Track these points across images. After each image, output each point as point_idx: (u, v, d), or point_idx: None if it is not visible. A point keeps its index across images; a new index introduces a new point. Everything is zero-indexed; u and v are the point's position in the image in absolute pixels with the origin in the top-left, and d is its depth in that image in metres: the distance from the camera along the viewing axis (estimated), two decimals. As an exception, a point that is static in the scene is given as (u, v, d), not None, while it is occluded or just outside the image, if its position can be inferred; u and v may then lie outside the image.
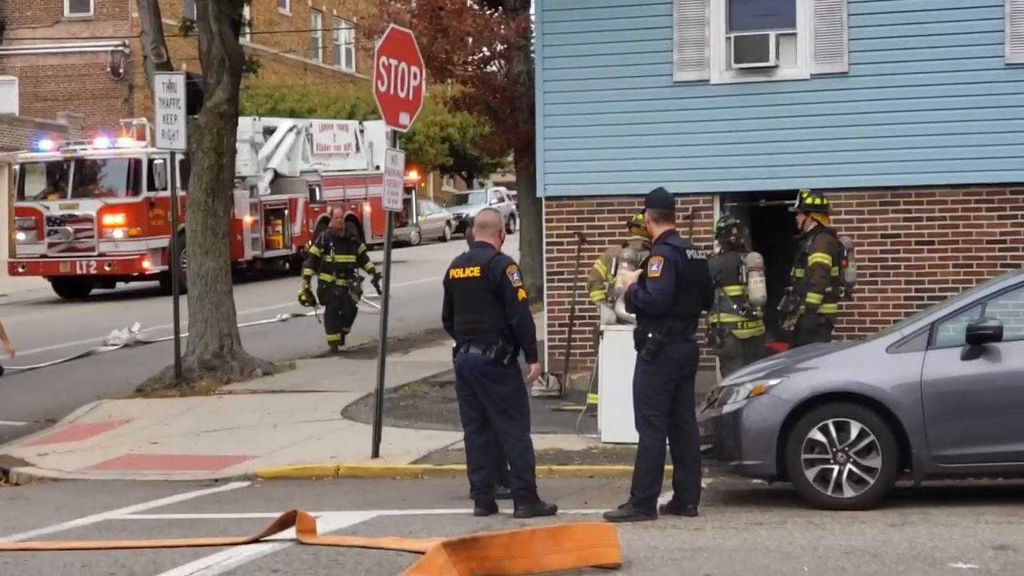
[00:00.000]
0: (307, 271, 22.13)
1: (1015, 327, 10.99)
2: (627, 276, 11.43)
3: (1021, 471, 10.95)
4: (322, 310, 21.96)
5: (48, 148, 33.18)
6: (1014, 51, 15.88)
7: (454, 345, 11.27)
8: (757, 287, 14.68)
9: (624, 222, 16.36)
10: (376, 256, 22.54)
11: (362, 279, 22.22)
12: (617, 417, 13.33)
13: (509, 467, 11.05)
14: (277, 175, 36.15)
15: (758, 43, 16.53)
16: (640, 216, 13.83)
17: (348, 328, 22.01)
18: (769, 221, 16.63)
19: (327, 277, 21.86)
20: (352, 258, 22.01)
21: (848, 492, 10.62)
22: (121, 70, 49.94)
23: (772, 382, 11.00)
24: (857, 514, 10.29)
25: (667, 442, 10.62)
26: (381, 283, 16.15)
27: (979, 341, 10.58)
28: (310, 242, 22.86)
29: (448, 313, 11.20)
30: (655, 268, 10.48)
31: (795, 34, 16.54)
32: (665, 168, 16.45)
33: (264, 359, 19.88)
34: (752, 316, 14.80)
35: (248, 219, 33.94)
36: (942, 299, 14.18)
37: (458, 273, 11.07)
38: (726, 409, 11.12)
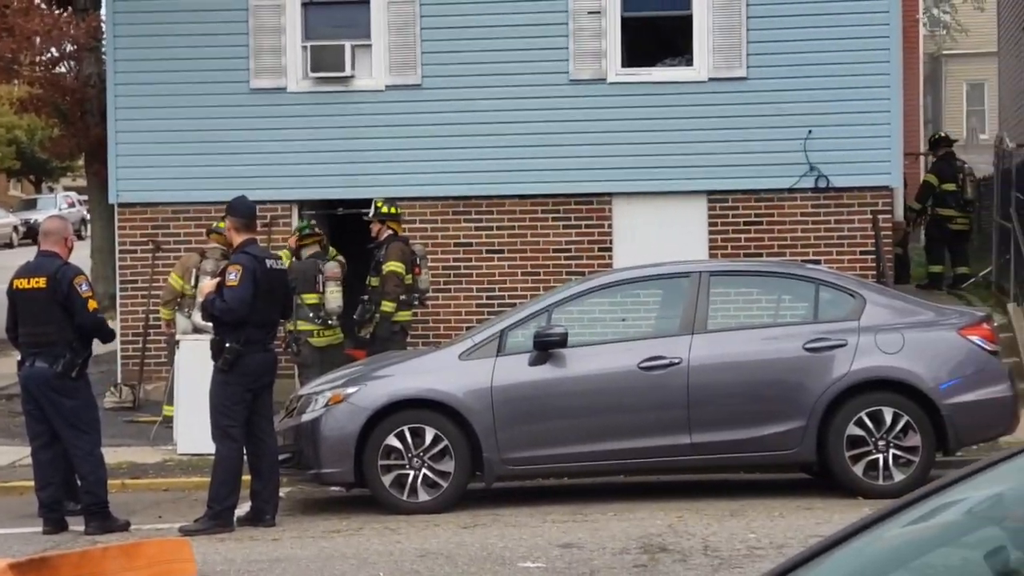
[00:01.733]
0: None
1: (579, 333, 11.49)
2: (205, 286, 11.31)
3: (586, 471, 11.48)
4: None
5: None
6: (577, 68, 16.61)
7: (19, 358, 10.84)
8: (333, 296, 14.76)
9: (201, 230, 16.13)
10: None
11: None
12: (193, 428, 13.15)
13: (80, 482, 10.73)
14: None
15: (334, 53, 16.64)
16: (221, 223, 13.69)
17: None
18: (348, 229, 16.78)
19: None
20: None
21: (423, 496, 10.86)
22: None
23: (350, 390, 11.11)
24: (432, 517, 10.53)
25: (245, 452, 10.58)
26: None
27: (546, 347, 11.02)
28: None
29: (12, 324, 10.77)
30: (233, 277, 10.43)
31: (370, 45, 16.76)
32: (243, 176, 16.32)
33: None
34: (328, 325, 14.88)
35: None
36: (512, 306, 14.67)
37: (22, 283, 10.65)
38: (305, 418, 11.15)
